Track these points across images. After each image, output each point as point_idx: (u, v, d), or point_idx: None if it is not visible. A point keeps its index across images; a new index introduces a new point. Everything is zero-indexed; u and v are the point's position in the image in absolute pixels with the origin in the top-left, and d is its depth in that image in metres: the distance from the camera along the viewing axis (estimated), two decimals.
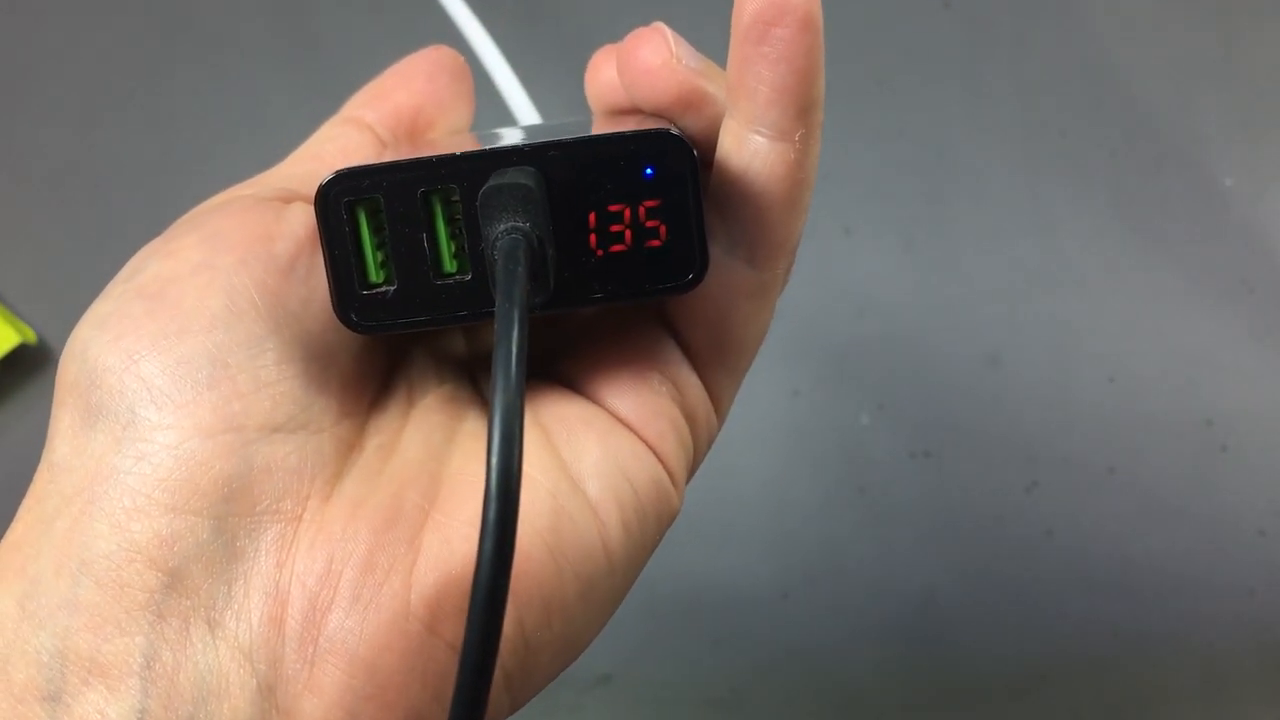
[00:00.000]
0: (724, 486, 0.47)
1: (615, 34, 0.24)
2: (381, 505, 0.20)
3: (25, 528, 0.20)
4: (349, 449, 0.21)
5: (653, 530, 0.22)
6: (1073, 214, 0.50)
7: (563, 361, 0.24)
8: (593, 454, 0.22)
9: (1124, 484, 0.47)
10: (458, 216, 0.20)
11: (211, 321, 0.20)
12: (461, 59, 0.27)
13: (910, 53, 0.51)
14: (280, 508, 0.20)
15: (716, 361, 0.23)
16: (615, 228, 0.20)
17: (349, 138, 0.25)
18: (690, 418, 0.23)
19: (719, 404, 0.24)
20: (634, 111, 0.23)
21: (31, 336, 0.47)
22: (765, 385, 0.48)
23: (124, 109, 0.50)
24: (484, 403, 0.24)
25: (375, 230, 0.20)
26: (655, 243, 0.21)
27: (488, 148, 0.20)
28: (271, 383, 0.20)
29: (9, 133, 0.50)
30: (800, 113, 0.21)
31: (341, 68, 0.50)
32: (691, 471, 0.24)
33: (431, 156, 0.20)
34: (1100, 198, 0.50)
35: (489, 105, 0.34)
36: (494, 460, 0.16)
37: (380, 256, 0.21)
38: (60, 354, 0.50)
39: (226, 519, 0.19)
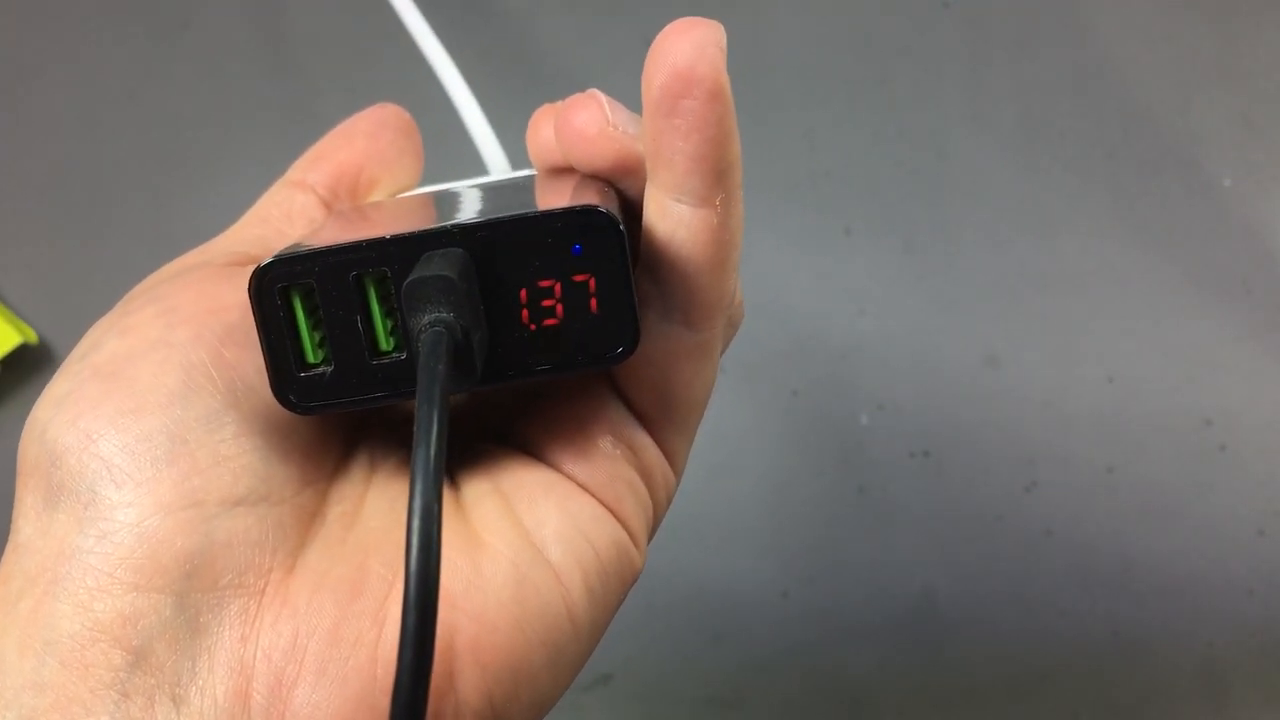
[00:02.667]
0: (724, 486, 0.47)
1: (591, 71, 0.24)
2: (345, 577, 0.20)
3: None
4: (311, 518, 0.21)
5: (615, 591, 0.23)
6: (1073, 214, 0.50)
7: (520, 427, 0.24)
8: (553, 520, 0.22)
9: (1123, 484, 0.47)
10: (391, 295, 0.21)
11: (169, 398, 0.20)
12: (407, 116, 0.28)
13: (910, 53, 0.51)
14: (243, 582, 0.20)
15: (665, 421, 0.24)
16: (546, 302, 0.21)
17: (293, 201, 0.25)
18: (646, 477, 0.24)
19: (674, 460, 0.24)
20: (572, 170, 0.24)
21: (32, 336, 0.47)
22: (765, 385, 0.48)
23: (124, 109, 0.50)
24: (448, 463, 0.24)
25: (310, 312, 0.21)
26: (587, 315, 0.21)
27: (416, 230, 0.20)
28: (230, 457, 0.20)
29: (9, 133, 0.50)
30: (718, 178, 0.21)
31: (343, 72, 0.50)
32: (653, 530, 0.24)
33: (361, 240, 0.20)
34: (1100, 198, 0.50)
35: (462, 146, 0.34)
36: (412, 566, 0.17)
37: (317, 338, 0.21)
38: (60, 354, 0.50)
39: (189, 595, 0.19)
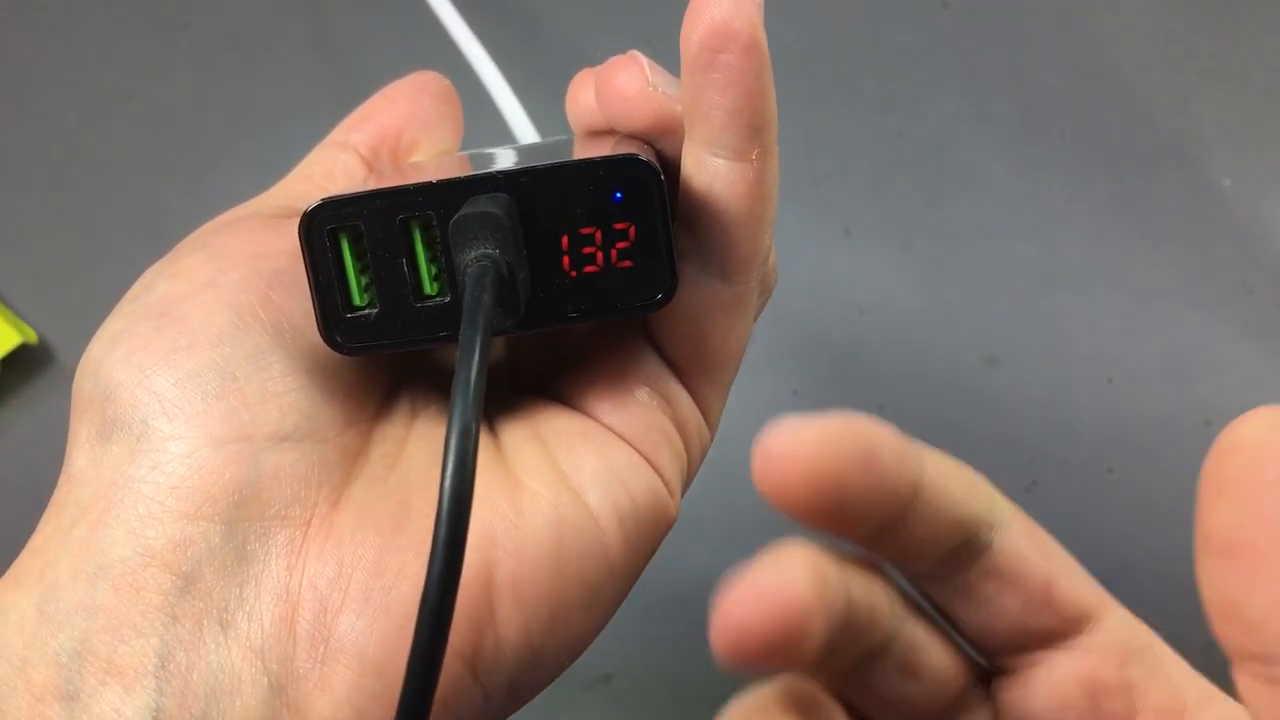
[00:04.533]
0: (724, 486, 0.47)
1: (612, 51, 0.24)
2: (389, 511, 0.21)
3: (44, 537, 0.21)
4: (355, 457, 0.22)
5: (650, 537, 0.23)
6: (1072, 214, 0.50)
7: (558, 379, 0.24)
8: (591, 465, 0.22)
9: (1123, 484, 0.47)
10: (436, 241, 0.21)
11: (219, 336, 0.21)
12: (447, 82, 0.28)
13: (910, 53, 0.51)
14: (289, 513, 0.20)
15: (700, 373, 0.24)
16: (587, 249, 0.21)
17: (336, 160, 0.26)
18: (681, 428, 0.24)
19: (708, 414, 0.25)
20: (611, 133, 0.24)
21: (32, 336, 0.47)
22: (765, 385, 0.48)
23: (124, 109, 0.50)
24: (486, 408, 0.24)
25: (358, 255, 0.21)
26: (626, 263, 0.21)
27: (462, 175, 0.21)
28: (278, 394, 0.21)
29: (9, 133, 0.50)
30: (754, 133, 0.21)
31: (342, 73, 0.50)
32: (688, 480, 0.25)
33: (409, 185, 0.21)
34: (1100, 198, 0.50)
35: (490, 121, 0.34)
36: (447, 483, 0.17)
37: (363, 281, 0.21)
38: (60, 353, 0.50)
39: (237, 524, 0.20)
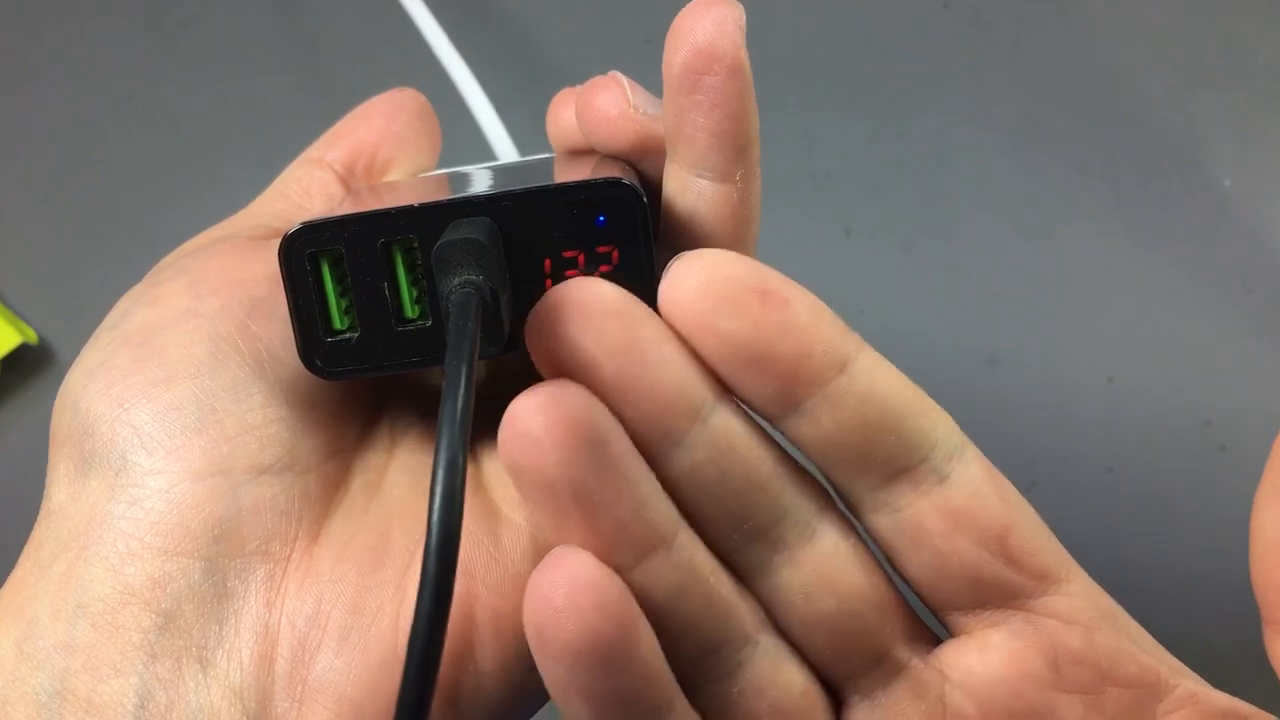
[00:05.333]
0: None
1: (595, 68, 0.24)
2: (369, 545, 0.21)
3: (24, 572, 0.20)
4: (335, 487, 0.22)
5: None
6: (1073, 214, 0.50)
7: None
8: None
9: (1123, 484, 0.47)
10: (418, 264, 0.21)
11: (198, 368, 0.21)
12: (424, 100, 0.28)
13: (910, 53, 0.51)
14: (269, 549, 0.20)
15: None
16: (570, 272, 0.21)
17: (312, 178, 0.26)
18: None
19: None
20: (592, 153, 0.24)
21: (32, 336, 0.47)
22: None
23: (124, 109, 0.50)
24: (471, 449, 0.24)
25: (338, 279, 0.21)
26: None
27: (443, 199, 0.21)
28: (258, 425, 0.21)
29: (9, 133, 0.50)
30: (738, 154, 0.21)
31: (341, 72, 0.50)
32: None
33: (390, 209, 0.21)
34: (1100, 198, 0.50)
35: (469, 135, 0.34)
36: (434, 518, 0.17)
37: (344, 304, 0.21)
38: (60, 353, 0.50)
39: (217, 560, 0.20)
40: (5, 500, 0.46)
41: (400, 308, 0.21)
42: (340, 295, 0.21)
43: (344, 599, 0.20)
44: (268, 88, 0.50)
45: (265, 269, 0.22)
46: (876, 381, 0.20)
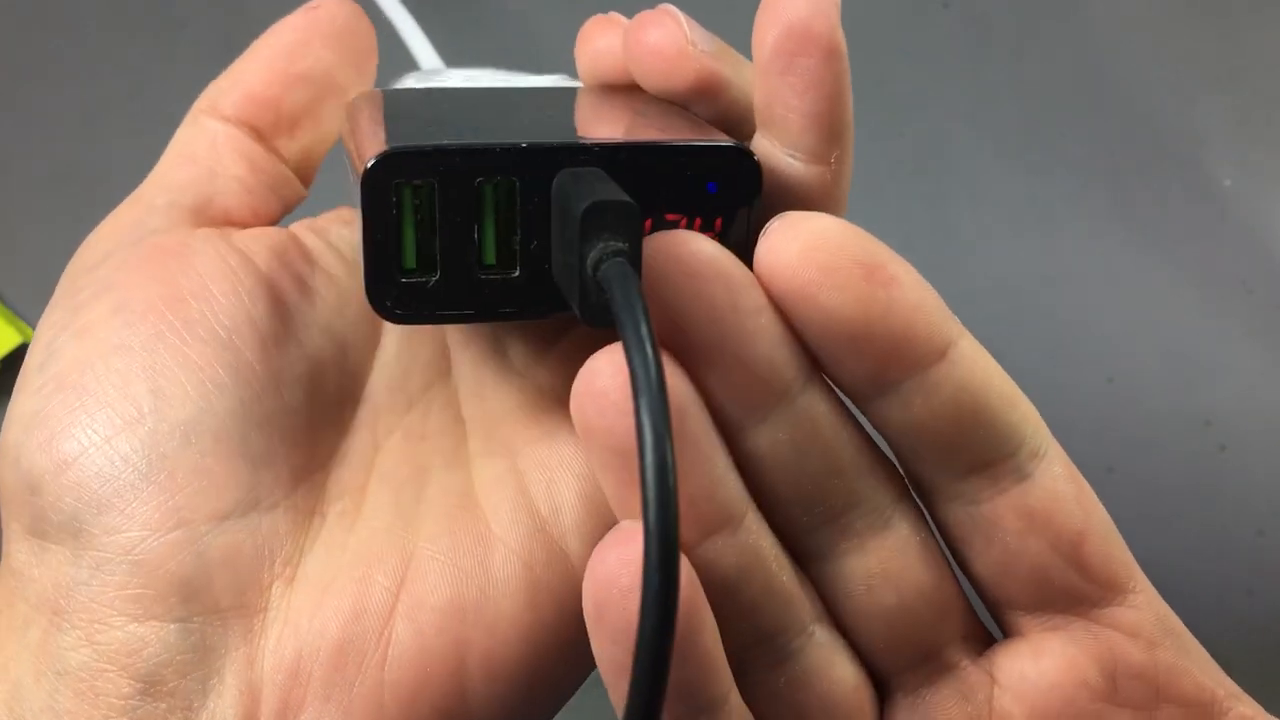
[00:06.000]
0: None
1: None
2: (347, 591, 0.20)
3: (2, 632, 0.20)
4: (309, 517, 0.20)
5: None
6: (1073, 214, 0.50)
7: (544, 367, 0.22)
8: (571, 503, 0.21)
9: (1123, 484, 0.47)
10: (511, 208, 0.19)
11: (139, 413, 0.19)
12: (349, 11, 0.25)
13: (910, 53, 0.51)
14: (244, 601, 0.19)
15: None
16: None
17: (214, 133, 0.23)
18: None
19: None
20: (634, 88, 0.22)
21: (32, 336, 0.47)
22: None
23: (124, 109, 0.50)
24: (459, 431, 0.22)
25: (420, 216, 0.19)
26: None
27: (553, 142, 0.19)
28: (211, 467, 0.19)
29: (9, 133, 0.50)
30: (834, 137, 0.20)
31: None
32: None
33: (495, 145, 0.19)
34: (1100, 198, 0.50)
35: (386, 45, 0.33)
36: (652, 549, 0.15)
37: (422, 244, 0.19)
38: None
39: (191, 620, 0.19)
40: None
41: (484, 253, 0.19)
42: (420, 234, 0.19)
43: (324, 653, 0.19)
44: None
45: (194, 281, 0.20)
46: (975, 370, 0.19)
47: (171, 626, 0.19)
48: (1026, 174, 0.50)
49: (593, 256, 0.18)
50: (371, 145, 0.19)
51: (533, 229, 0.19)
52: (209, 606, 0.19)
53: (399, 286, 0.19)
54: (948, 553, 0.21)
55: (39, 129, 0.50)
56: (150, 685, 0.18)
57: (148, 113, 0.51)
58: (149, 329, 0.20)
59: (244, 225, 0.22)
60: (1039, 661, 0.20)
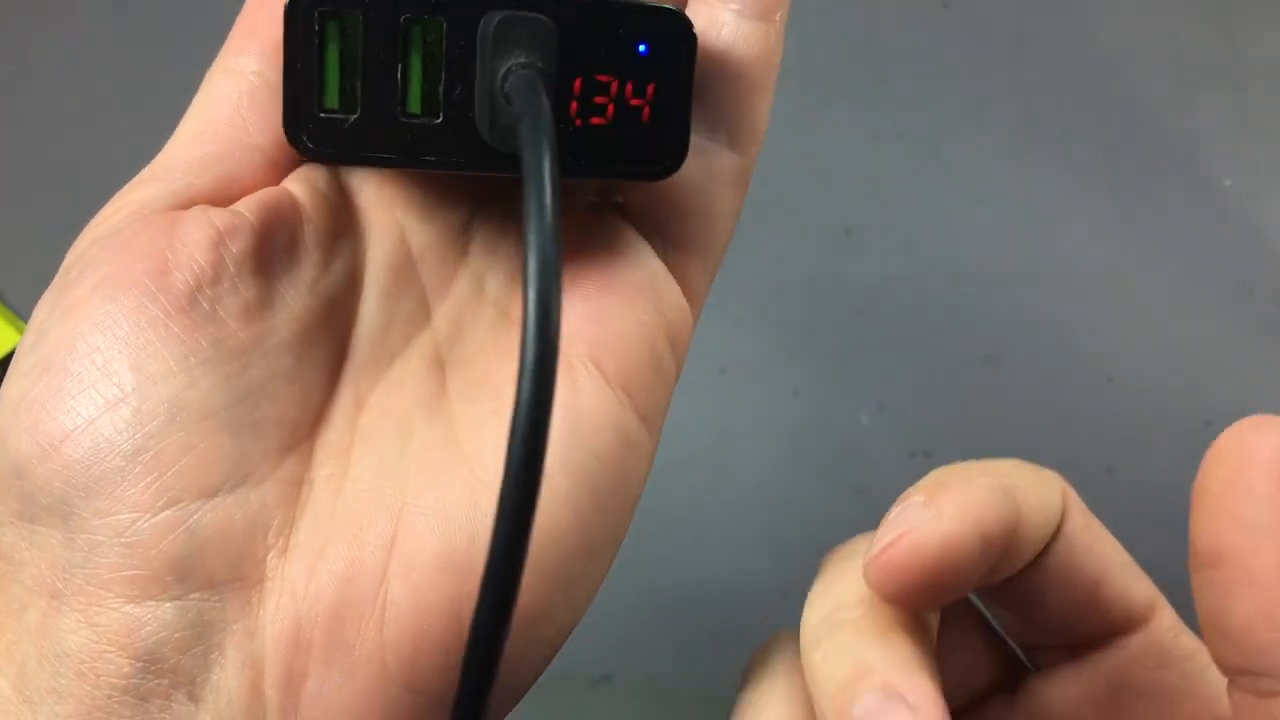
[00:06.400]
0: (724, 486, 0.47)
1: None
2: (340, 555, 0.19)
3: (1, 613, 0.20)
4: (298, 487, 0.20)
5: (628, 484, 0.21)
6: (1073, 214, 0.50)
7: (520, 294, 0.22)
8: (557, 444, 0.20)
9: (1123, 484, 0.47)
10: (438, 53, 0.19)
11: (121, 393, 0.19)
12: None
13: (910, 53, 0.51)
14: (240, 574, 0.19)
15: (697, 254, 0.22)
16: (599, 99, 0.19)
17: (241, 93, 0.22)
18: (671, 339, 0.22)
19: (694, 301, 0.22)
20: None
21: None
22: (765, 385, 0.48)
23: (124, 109, 0.50)
24: (439, 375, 0.22)
25: (342, 51, 0.19)
26: (637, 122, 0.20)
27: None
28: (196, 442, 0.19)
29: (9, 133, 0.50)
30: None
31: None
32: (676, 375, 0.23)
33: None
34: (1100, 198, 0.50)
35: None
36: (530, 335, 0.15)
37: (343, 81, 0.19)
38: None
39: (187, 598, 0.19)
40: None
41: (407, 96, 0.19)
42: (341, 70, 0.19)
43: (322, 618, 0.19)
44: None
45: (181, 253, 0.20)
46: (1031, 527, 0.20)
47: (168, 605, 0.19)
48: (1026, 174, 0.50)
49: (501, 72, 0.17)
50: None
51: (457, 74, 0.19)
52: (204, 583, 0.19)
53: (317, 121, 0.19)
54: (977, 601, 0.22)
55: (39, 129, 0.50)
56: (150, 663, 0.19)
57: (148, 113, 0.51)
58: (131, 303, 0.19)
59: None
60: (1054, 684, 0.21)
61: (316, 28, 0.19)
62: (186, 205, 0.21)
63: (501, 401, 0.21)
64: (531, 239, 0.15)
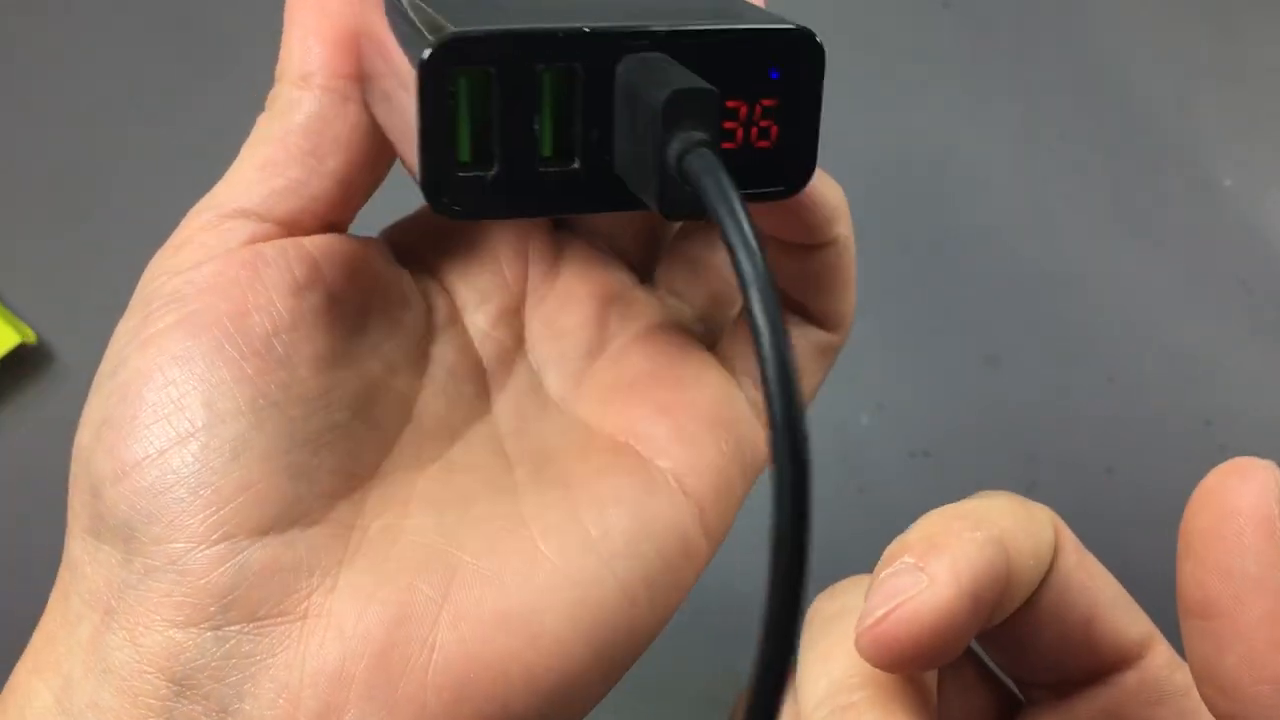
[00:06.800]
0: None
1: None
2: (391, 599, 0.20)
3: (55, 624, 0.21)
4: (349, 531, 0.21)
5: (680, 590, 0.22)
6: (1073, 214, 0.50)
7: (619, 405, 0.23)
8: (622, 527, 0.21)
9: (1123, 484, 0.47)
10: (570, 98, 0.19)
11: (192, 428, 0.20)
12: None
13: (910, 53, 0.51)
14: (283, 609, 0.20)
15: None
16: (729, 125, 0.19)
17: (297, 110, 0.22)
18: (744, 475, 0.23)
19: None
20: None
21: (31, 336, 0.47)
22: None
23: (124, 109, 0.50)
24: (503, 464, 0.23)
25: (477, 106, 0.18)
26: (764, 144, 0.20)
27: (619, 26, 0.18)
28: (255, 482, 0.20)
29: (9, 133, 0.50)
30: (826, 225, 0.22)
31: None
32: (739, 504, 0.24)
33: (557, 29, 0.18)
34: (1100, 198, 0.50)
35: None
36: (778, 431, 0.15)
37: (479, 136, 0.19)
38: (60, 353, 0.49)
39: (226, 628, 0.19)
40: (5, 500, 0.46)
41: (543, 145, 0.19)
42: (477, 126, 0.18)
43: (369, 656, 0.20)
44: (268, 87, 0.50)
45: (261, 296, 0.21)
46: (1022, 574, 0.20)
47: (208, 633, 0.19)
48: (1026, 174, 0.50)
49: (674, 148, 0.17)
50: (427, 34, 0.18)
51: (594, 119, 0.19)
52: (245, 615, 0.20)
53: (456, 181, 0.18)
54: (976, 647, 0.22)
55: (39, 129, 0.50)
56: (185, 688, 0.19)
57: (148, 113, 0.51)
58: (210, 342, 0.20)
59: (329, 224, 0.22)
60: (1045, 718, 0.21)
61: (451, 87, 0.18)
62: (264, 239, 0.22)
63: (572, 490, 0.22)
64: (760, 324, 0.15)
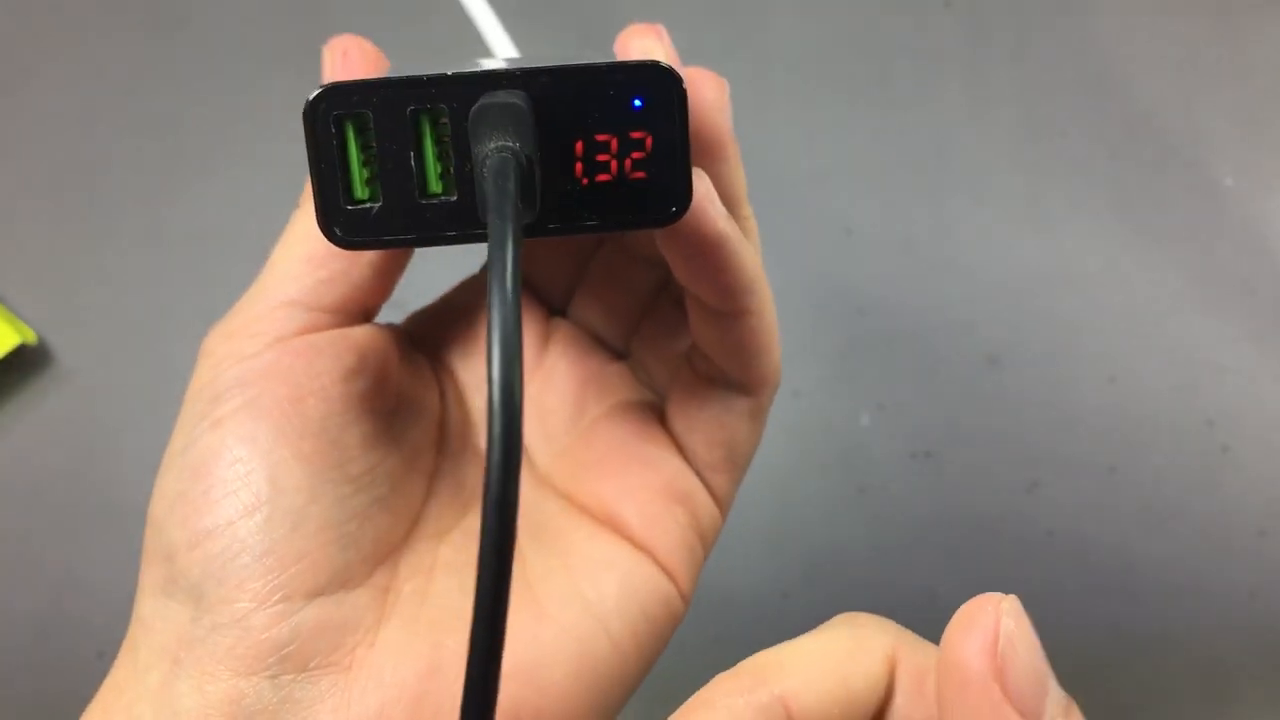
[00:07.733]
0: None
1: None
2: (423, 654, 0.23)
3: (124, 674, 0.23)
4: (385, 593, 0.24)
5: (662, 641, 0.26)
6: (1073, 214, 0.50)
7: (595, 489, 0.26)
8: (614, 593, 0.25)
9: (1125, 484, 0.47)
10: (446, 137, 0.21)
11: (257, 501, 0.23)
12: (364, 42, 0.28)
13: (910, 53, 0.51)
14: (331, 660, 0.23)
15: (725, 472, 0.27)
16: (601, 157, 0.21)
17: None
18: (703, 536, 0.27)
19: (723, 506, 0.28)
20: None
21: (31, 336, 0.47)
22: None
23: (123, 109, 0.50)
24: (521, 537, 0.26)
25: (362, 146, 0.21)
26: (640, 174, 0.21)
27: (479, 69, 0.20)
28: (311, 550, 0.23)
29: (9, 133, 0.50)
30: (747, 293, 0.24)
31: None
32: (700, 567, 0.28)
33: (423, 76, 0.20)
34: (1100, 198, 0.50)
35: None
36: (494, 377, 0.16)
37: (366, 173, 0.21)
38: (59, 354, 0.50)
39: (282, 677, 0.22)
40: (5, 500, 0.46)
41: (425, 179, 0.21)
42: (363, 163, 0.21)
43: (404, 701, 0.22)
44: (268, 86, 0.50)
45: (316, 382, 0.24)
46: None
47: (266, 682, 0.22)
48: (1026, 174, 0.50)
49: (480, 154, 0.19)
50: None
51: (465, 153, 0.21)
52: (298, 666, 0.22)
53: (345, 214, 0.21)
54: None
55: (38, 129, 0.50)
56: None
57: (147, 113, 0.51)
58: (272, 425, 0.23)
59: (368, 307, 0.26)
60: None
61: (333, 129, 0.20)
62: (314, 327, 0.25)
63: (569, 558, 0.25)
64: (495, 326, 0.17)
